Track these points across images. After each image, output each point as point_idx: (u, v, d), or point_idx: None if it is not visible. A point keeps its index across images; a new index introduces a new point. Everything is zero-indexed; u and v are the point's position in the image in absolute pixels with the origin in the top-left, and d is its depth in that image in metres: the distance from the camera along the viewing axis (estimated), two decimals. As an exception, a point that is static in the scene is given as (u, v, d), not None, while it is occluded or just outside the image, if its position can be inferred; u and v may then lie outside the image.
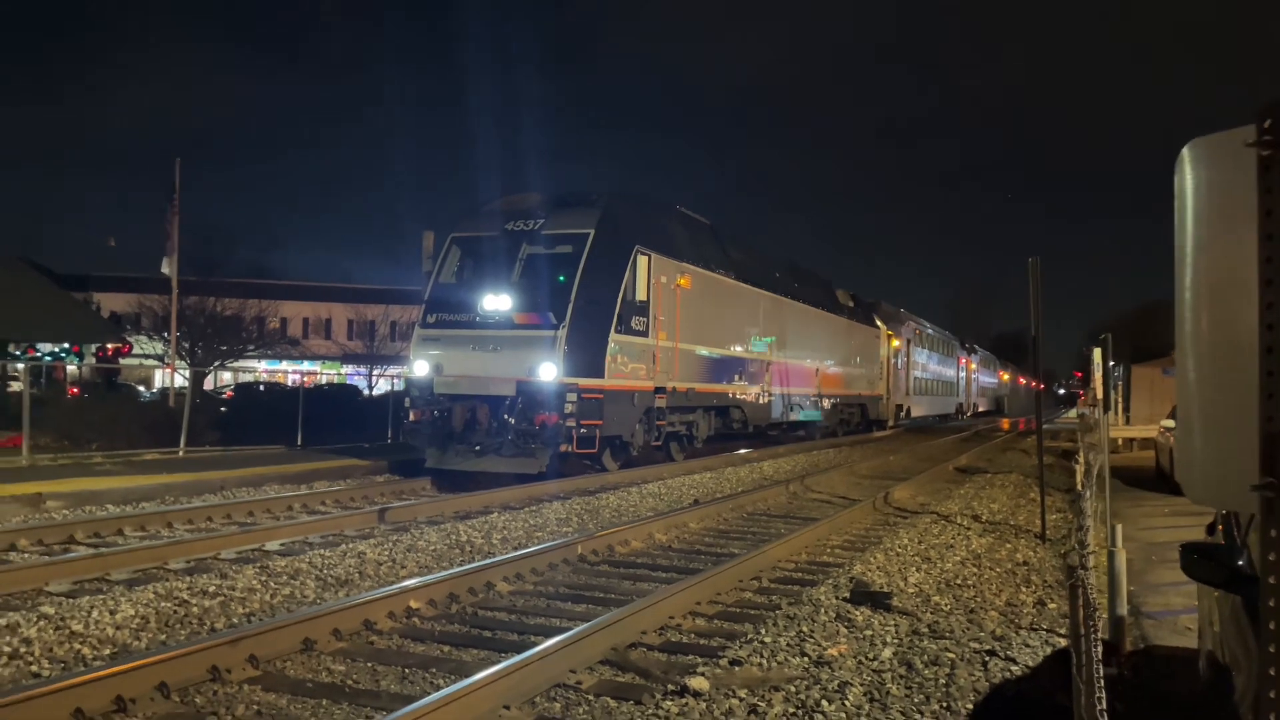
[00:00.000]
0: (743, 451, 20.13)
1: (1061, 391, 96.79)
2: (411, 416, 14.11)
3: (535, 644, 5.25)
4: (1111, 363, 12.19)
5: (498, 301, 13.81)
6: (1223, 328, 1.51)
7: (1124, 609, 5.77)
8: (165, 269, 23.86)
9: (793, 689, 4.85)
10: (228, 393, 35.49)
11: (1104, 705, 1.91)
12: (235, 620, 6.12)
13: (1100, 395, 11.50)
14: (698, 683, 4.87)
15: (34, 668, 5.10)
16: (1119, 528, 6.05)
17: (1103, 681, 2.09)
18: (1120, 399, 25.86)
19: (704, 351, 17.37)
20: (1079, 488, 9.94)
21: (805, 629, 5.98)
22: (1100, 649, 2.55)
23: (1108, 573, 5.94)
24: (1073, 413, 56.47)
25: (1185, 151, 1.55)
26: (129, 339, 35.06)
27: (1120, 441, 23.62)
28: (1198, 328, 1.54)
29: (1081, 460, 10.80)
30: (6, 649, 5.23)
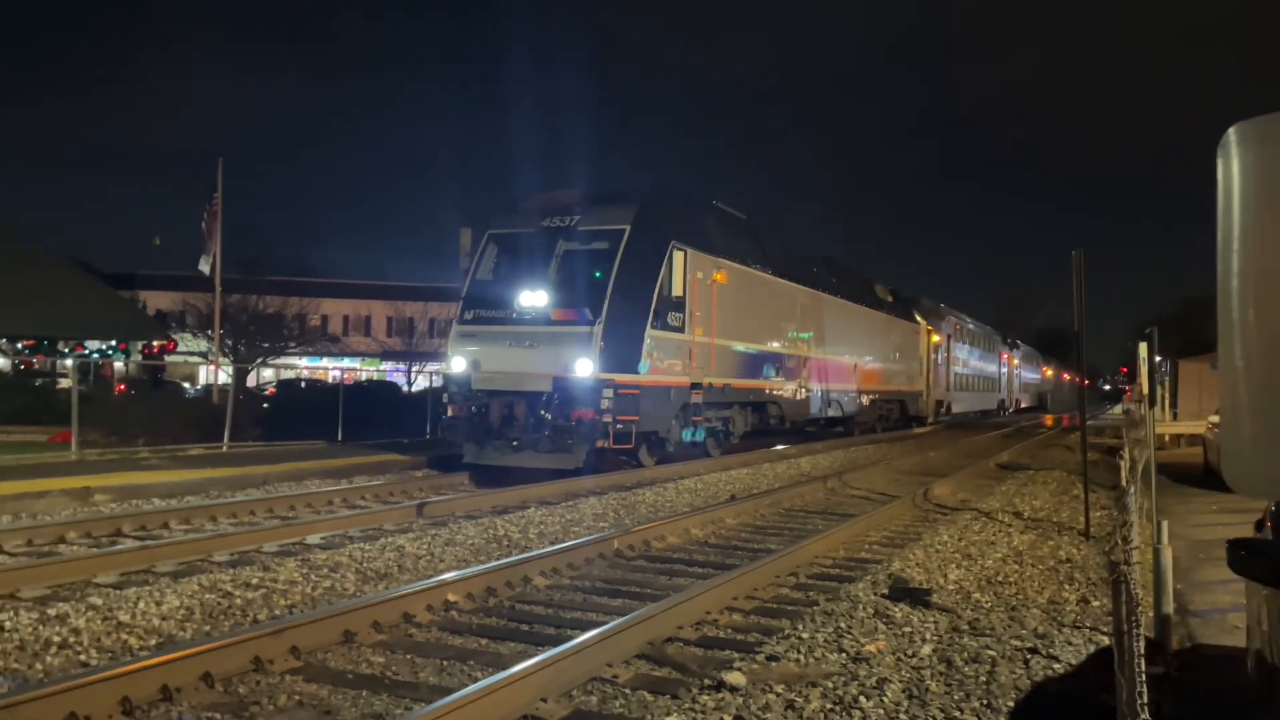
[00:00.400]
0: (780, 448, 20.04)
1: (1107, 387, 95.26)
2: (450, 412, 14.22)
3: (572, 638, 5.27)
4: (1158, 357, 11.97)
5: (534, 298, 13.86)
6: (1272, 315, 1.46)
7: (1170, 607, 5.66)
8: (203, 266, 24.17)
9: (830, 685, 4.81)
10: (270, 389, 36.01)
11: (1145, 700, 1.87)
12: (277, 612, 6.21)
13: (1146, 390, 11.30)
14: (734, 677, 4.85)
15: (82, 657, 5.20)
16: (1165, 524, 5.94)
17: (1144, 678, 2.05)
18: (1167, 394, 25.39)
19: (740, 347, 17.31)
20: (1124, 484, 9.77)
21: (843, 625, 5.94)
22: (1144, 646, 2.49)
23: (1153, 570, 5.83)
24: (1118, 409, 55.54)
25: (1230, 133, 1.48)
26: (174, 336, 35.70)
27: (1167, 438, 23.18)
28: (1244, 316, 1.49)
29: (1126, 456, 10.61)
30: (56, 639, 5.35)
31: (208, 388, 32.87)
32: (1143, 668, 2.18)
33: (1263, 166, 1.46)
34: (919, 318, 32.99)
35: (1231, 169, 1.49)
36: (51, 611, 5.67)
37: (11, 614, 5.57)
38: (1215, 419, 17.03)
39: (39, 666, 5.02)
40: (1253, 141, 1.47)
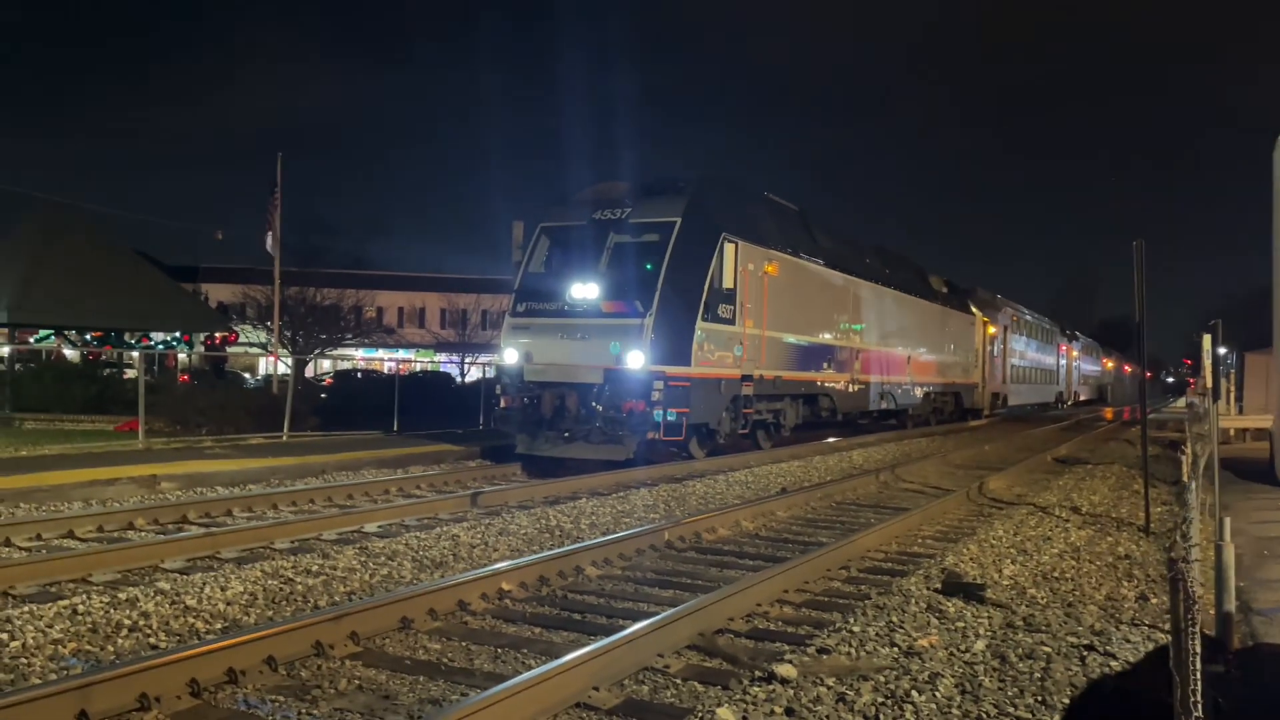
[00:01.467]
0: (831, 440, 19.91)
1: (1170, 379, 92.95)
2: (502, 403, 14.39)
3: (623, 627, 5.33)
4: (1223, 349, 11.68)
5: (585, 290, 13.93)
6: None
7: (1231, 605, 5.55)
8: (269, 247, 24.59)
9: (882, 678, 4.81)
10: (327, 380, 36.74)
11: (1199, 699, 1.85)
12: (337, 598, 6.37)
13: (1209, 383, 11.03)
14: (785, 670, 4.87)
15: (152, 640, 5.39)
16: (1227, 520, 5.81)
17: (1199, 675, 2.03)
18: (1232, 387, 24.73)
19: (791, 339, 17.23)
20: (1185, 478, 9.56)
21: (895, 619, 5.92)
22: (1202, 644, 2.47)
23: (1215, 567, 5.71)
24: (1181, 401, 54.18)
25: None
26: (235, 328, 36.53)
27: (1232, 432, 22.58)
28: None
29: (1189, 451, 10.37)
30: (127, 622, 5.54)
31: (267, 378, 33.62)
32: (1198, 665, 2.15)
33: None
34: (974, 309, 32.49)
35: None
36: (122, 595, 5.88)
37: (84, 598, 5.78)
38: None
39: (110, 649, 5.21)
40: None
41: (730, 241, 14.65)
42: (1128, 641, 5.59)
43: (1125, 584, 7.36)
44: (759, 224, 16.33)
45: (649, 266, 13.90)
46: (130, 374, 26.32)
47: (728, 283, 14.56)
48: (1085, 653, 5.36)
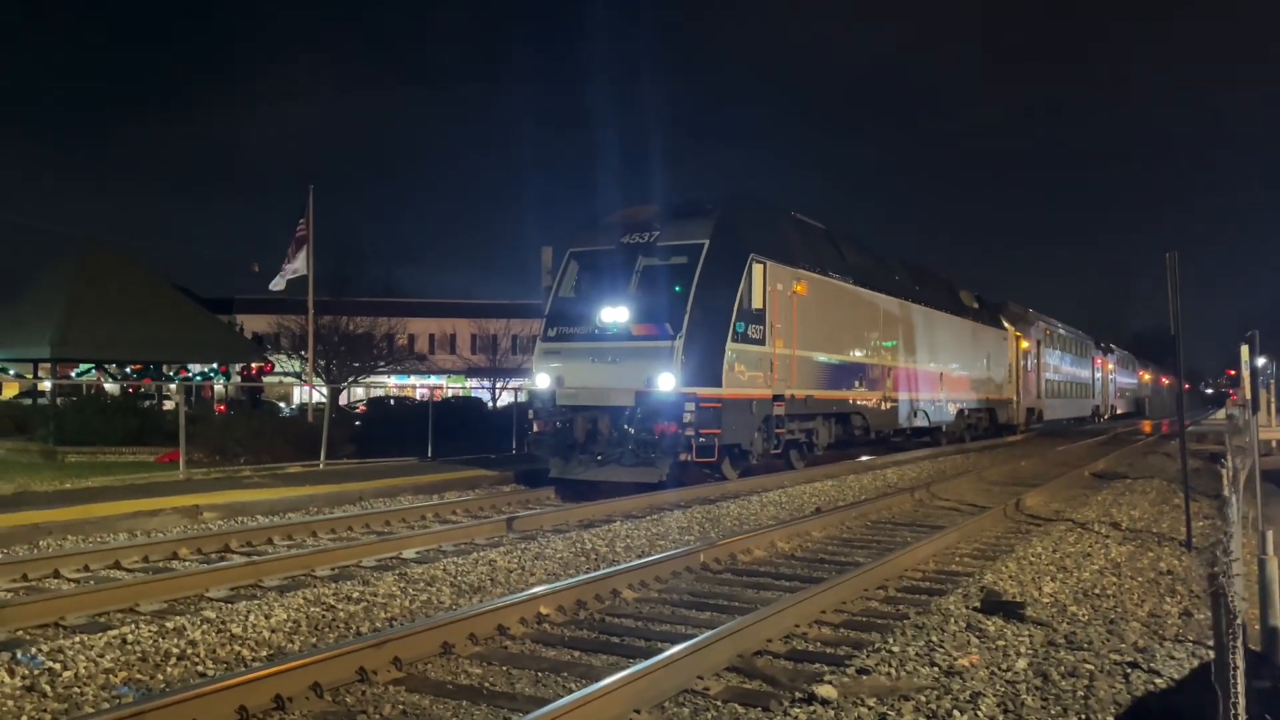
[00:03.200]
0: (865, 459, 19.81)
1: (1209, 391, 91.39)
2: (535, 428, 14.48)
3: (661, 650, 5.36)
4: (1262, 359, 11.52)
5: (615, 314, 14.02)
6: None
7: (1277, 620, 5.47)
8: (276, 285, 24.97)
9: (923, 699, 4.80)
10: (361, 407, 37.10)
11: (1241, 712, 1.86)
12: (378, 625, 6.45)
13: (1249, 394, 10.90)
14: (825, 690, 4.87)
15: (199, 668, 5.49)
16: (1269, 534, 5.75)
17: (1242, 691, 2.03)
18: (1274, 399, 24.30)
19: (822, 358, 17.21)
20: (1226, 490, 9.44)
21: (934, 639, 5.90)
22: (1246, 660, 2.47)
23: (1259, 581, 5.65)
24: (1221, 413, 53.24)
25: None
26: (270, 358, 37.03)
27: (1274, 444, 22.18)
28: None
29: (1229, 463, 10.24)
30: (175, 650, 5.65)
31: (302, 407, 34.02)
32: (1241, 680, 2.16)
33: None
34: (1006, 324, 32.24)
35: None
36: (169, 624, 5.98)
37: (133, 627, 5.89)
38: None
39: (160, 677, 5.31)
40: None
41: (759, 262, 14.69)
42: (1172, 659, 5.54)
43: (1168, 600, 7.28)
44: (787, 243, 16.36)
45: (678, 289, 13.97)
46: (169, 405, 26.77)
47: (757, 303, 14.59)
48: (1129, 670, 5.31)
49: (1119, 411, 60.56)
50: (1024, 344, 33.78)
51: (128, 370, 30.13)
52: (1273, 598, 5.46)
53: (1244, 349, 11.88)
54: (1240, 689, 2.04)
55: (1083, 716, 4.63)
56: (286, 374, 42.02)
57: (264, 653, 5.80)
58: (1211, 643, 5.85)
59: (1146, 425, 46.59)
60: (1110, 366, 56.83)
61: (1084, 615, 6.70)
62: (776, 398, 15.25)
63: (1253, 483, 9.48)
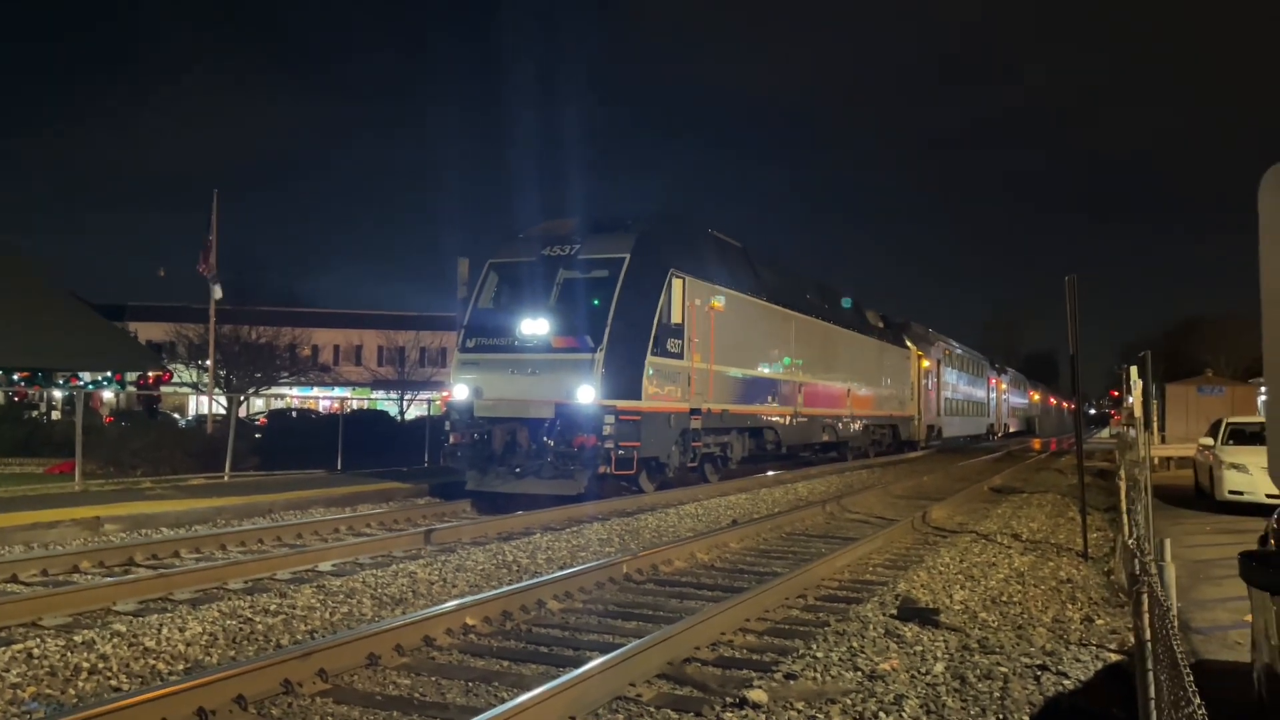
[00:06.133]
0: (775, 473, 20.17)
1: (1093, 411, 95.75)
2: (452, 439, 14.32)
3: (590, 659, 5.38)
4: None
5: (535, 325, 14.01)
6: None
7: (1175, 624, 5.81)
8: (216, 294, 24.23)
9: (849, 701, 4.94)
10: (261, 419, 35.99)
11: (1195, 688, 2.00)
12: (299, 637, 6.30)
13: (1139, 413, 11.52)
14: (756, 695, 4.98)
15: (113, 682, 5.29)
16: (1168, 542, 6.11)
17: (1191, 676, 2.18)
18: (1156, 418, 25.67)
19: (737, 373, 17.49)
20: (1123, 504, 9.96)
21: (855, 644, 6.08)
22: (1179, 647, 2.64)
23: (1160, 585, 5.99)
24: (1106, 432, 55.87)
25: (1268, 176, 1.65)
26: (168, 367, 35.65)
27: (1157, 460, 23.44)
28: None
29: (1124, 476, 10.81)
30: (86, 664, 5.43)
31: (200, 418, 32.82)
32: (1187, 665, 2.31)
33: None
34: (909, 343, 33.29)
35: (1266, 206, 1.66)
36: (77, 638, 5.75)
37: (38, 641, 5.64)
38: (1205, 441, 17.29)
39: (71, 692, 5.10)
40: None
41: (679, 277, 14.89)
42: (1078, 661, 5.83)
43: (1070, 607, 7.64)
44: (705, 260, 16.62)
45: (597, 302, 14.04)
46: (55, 415, 25.54)
47: (676, 318, 14.77)
48: (1039, 673, 5.57)
49: (1012, 430, 63.02)
50: (925, 363, 34.92)
51: (14, 378, 28.63)
52: (1170, 603, 5.79)
53: (1133, 370, 12.56)
54: (1191, 675, 2.18)
55: (1000, 716, 4.83)
56: (183, 384, 40.48)
57: (180, 666, 5.61)
58: (1114, 646, 6.19)
59: (1037, 443, 48.59)
60: (1004, 386, 59.13)
61: (994, 621, 6.98)
62: (694, 411, 15.44)
63: (1145, 496, 10.03)
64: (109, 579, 8.13)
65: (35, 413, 24.97)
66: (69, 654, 5.51)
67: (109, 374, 29.87)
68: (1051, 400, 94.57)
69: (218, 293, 23.37)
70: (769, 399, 19.11)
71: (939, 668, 5.63)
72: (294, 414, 38.28)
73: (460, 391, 14.30)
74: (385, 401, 47.01)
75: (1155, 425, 24.51)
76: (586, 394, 13.37)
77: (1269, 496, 13.43)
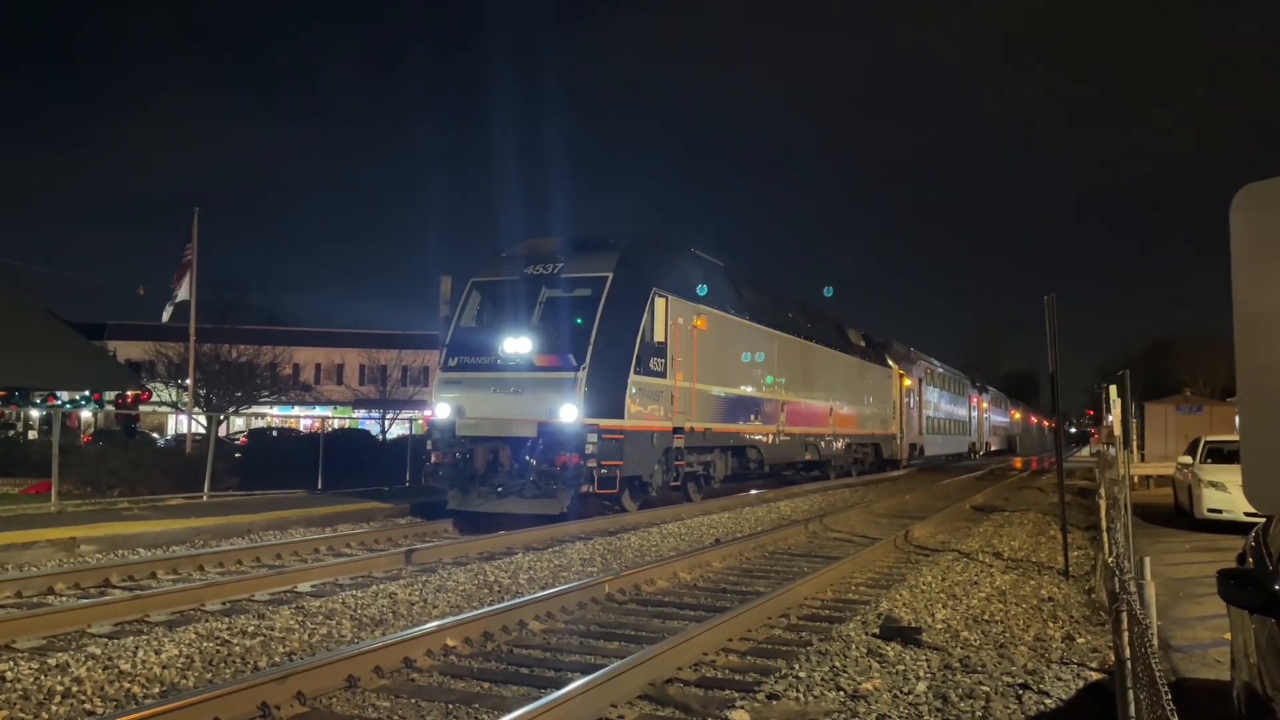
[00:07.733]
0: (758, 492, 20.17)
1: (1072, 430, 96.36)
2: (433, 458, 14.24)
3: (572, 680, 5.35)
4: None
5: (518, 344, 13.99)
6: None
7: (1154, 642, 5.83)
8: (166, 315, 24.22)
9: (832, 721, 4.93)
10: (241, 439, 35.71)
11: (1173, 707, 2.00)
12: (277, 659, 6.23)
13: (1119, 432, 11.61)
14: (738, 716, 4.96)
15: (87, 706, 5.21)
16: (1147, 560, 6.14)
17: (1168, 691, 2.19)
18: (1135, 436, 25.85)
19: (720, 392, 17.51)
20: (1103, 522, 10.01)
21: (838, 664, 6.07)
22: (1157, 664, 2.65)
23: (1139, 603, 6.01)
24: (1085, 451, 56.22)
25: (1239, 196, 1.67)
26: (147, 386, 35.31)
27: (1136, 479, 23.59)
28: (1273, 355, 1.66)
29: (1104, 494, 10.87)
30: (59, 688, 5.34)
31: (179, 437, 32.52)
32: (1164, 681, 2.31)
33: (1266, 224, 1.65)
34: (891, 362, 33.43)
35: (1238, 226, 1.69)
36: (51, 661, 5.67)
37: (11, 664, 5.56)
38: (1184, 459, 17.42)
39: (45, 716, 5.02)
40: (1257, 203, 1.67)
41: (661, 296, 14.91)
42: (1060, 679, 5.83)
43: (1051, 625, 7.66)
44: (688, 279, 16.66)
45: (580, 321, 14.04)
46: (32, 435, 25.23)
47: (659, 336, 14.78)
48: (1021, 691, 5.57)
49: (993, 448, 63.27)
50: (907, 381, 35.07)
51: (-11, 396, 28.27)
52: (1150, 621, 5.81)
53: (1112, 388, 12.66)
54: (1169, 691, 2.19)
55: (982, 735, 4.83)
56: (162, 403, 40.12)
57: (156, 690, 5.54)
58: (1095, 664, 6.20)
59: (1018, 461, 48.83)
60: (985, 405, 59.42)
61: (976, 640, 6.99)
62: (676, 430, 15.43)
63: (1125, 514, 10.09)
64: (84, 600, 8.03)
65: (12, 432, 24.65)
66: (42, 677, 5.43)
67: (87, 393, 29.52)
68: (1032, 419, 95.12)
69: (166, 315, 23.35)
70: (752, 417, 19.13)
71: (921, 687, 5.63)
72: (275, 433, 38.01)
73: (442, 410, 14.24)
74: (367, 421, 46.81)
75: (1135, 444, 24.69)
76: (569, 413, 13.34)
77: (1248, 514, 13.52)
